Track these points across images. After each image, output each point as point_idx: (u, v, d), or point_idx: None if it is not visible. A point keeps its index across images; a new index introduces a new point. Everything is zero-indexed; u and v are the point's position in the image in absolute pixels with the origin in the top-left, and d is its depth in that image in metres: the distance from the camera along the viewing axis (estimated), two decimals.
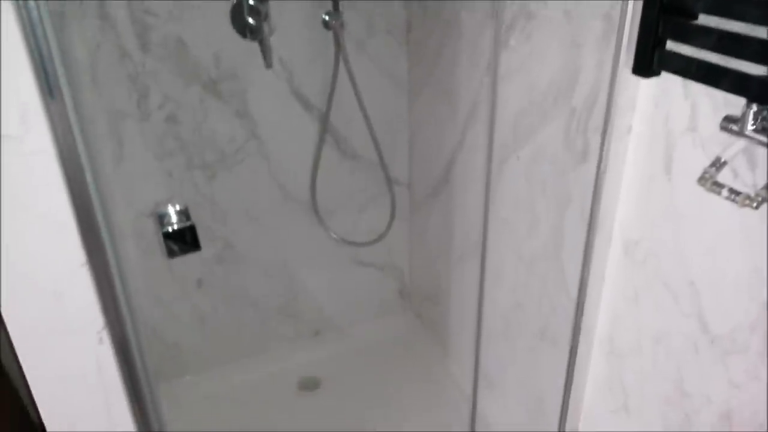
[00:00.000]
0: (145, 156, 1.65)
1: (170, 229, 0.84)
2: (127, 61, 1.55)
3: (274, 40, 1.60)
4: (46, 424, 0.82)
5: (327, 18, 1.66)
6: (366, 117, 1.79)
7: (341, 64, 1.69)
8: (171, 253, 0.85)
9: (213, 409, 1.89)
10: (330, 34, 1.68)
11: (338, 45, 1.67)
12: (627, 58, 1.00)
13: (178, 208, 0.82)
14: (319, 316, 2.12)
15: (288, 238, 1.95)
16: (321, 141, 1.83)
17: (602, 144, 1.12)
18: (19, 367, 0.79)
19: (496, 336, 1.65)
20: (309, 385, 2.00)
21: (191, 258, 1.83)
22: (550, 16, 1.21)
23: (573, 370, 1.35)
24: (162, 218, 0.84)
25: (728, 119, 0.84)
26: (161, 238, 0.83)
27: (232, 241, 1.86)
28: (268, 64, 1.51)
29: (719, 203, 0.93)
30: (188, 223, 0.84)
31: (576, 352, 1.33)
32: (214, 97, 1.66)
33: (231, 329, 1.99)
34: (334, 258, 2.04)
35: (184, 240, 0.83)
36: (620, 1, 0.99)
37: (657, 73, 0.95)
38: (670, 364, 1.10)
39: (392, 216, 1.98)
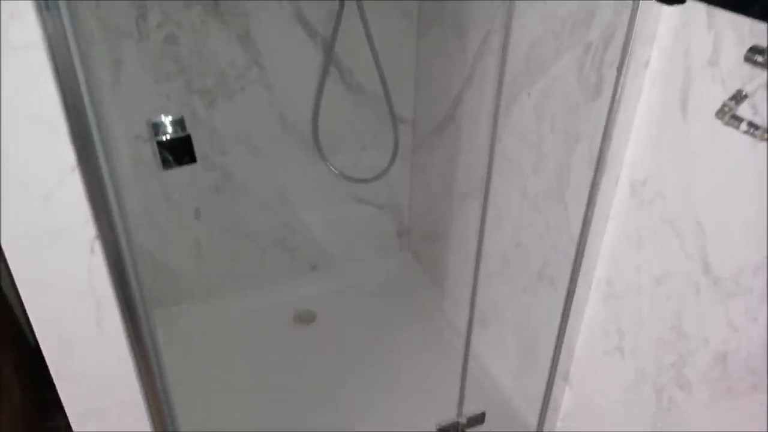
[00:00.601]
0: (143, 78, 1.60)
1: (165, 138, 0.81)
2: None
3: None
4: (37, 333, 0.81)
5: None
6: (373, 49, 1.73)
7: None
8: (165, 163, 0.83)
9: (208, 338, 1.90)
10: None
11: None
12: None
13: (172, 118, 0.79)
14: (317, 251, 2.11)
15: (287, 171, 1.92)
16: (325, 72, 1.78)
17: (617, 79, 1.07)
18: (10, 276, 0.78)
19: (493, 276, 1.65)
20: (305, 318, 2.01)
21: (189, 186, 1.81)
22: None
23: (569, 312, 1.35)
24: (157, 128, 0.81)
25: (754, 50, 0.80)
26: (155, 148, 0.80)
27: (231, 172, 1.83)
28: None
29: (734, 141, 0.90)
30: (184, 133, 0.81)
31: (573, 294, 1.33)
32: (215, 19, 1.60)
33: (228, 260, 1.99)
34: (334, 194, 2.02)
35: (179, 150, 0.81)
36: None
37: (682, 0, 0.90)
38: (669, 305, 1.09)
39: (394, 154, 1.95)
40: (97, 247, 0.78)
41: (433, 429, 1.38)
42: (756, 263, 0.91)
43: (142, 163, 1.71)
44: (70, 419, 0.89)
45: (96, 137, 0.71)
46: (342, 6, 1.66)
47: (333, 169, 1.92)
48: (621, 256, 1.20)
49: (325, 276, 2.14)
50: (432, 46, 1.81)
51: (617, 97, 1.09)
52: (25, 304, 0.79)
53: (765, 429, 0.94)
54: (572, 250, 1.29)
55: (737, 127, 0.82)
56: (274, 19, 1.67)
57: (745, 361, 0.96)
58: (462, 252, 1.85)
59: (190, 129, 1.54)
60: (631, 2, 1.01)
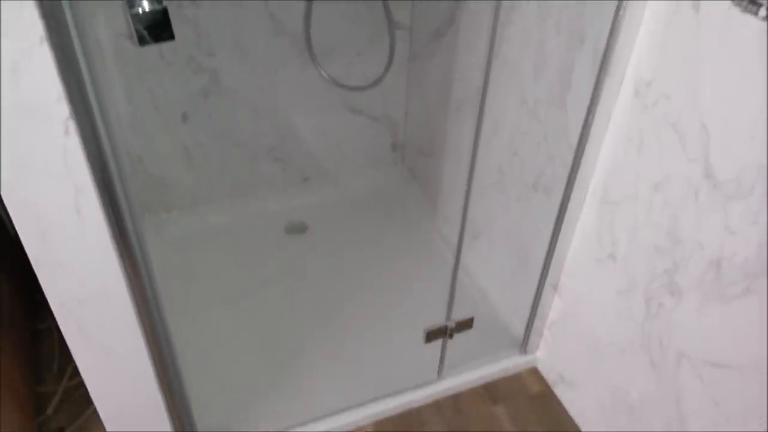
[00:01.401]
0: None
1: (140, 11, 0.76)
2: None
3: None
4: (13, 218, 0.78)
5: None
6: None
7: None
8: (141, 41, 0.77)
9: (198, 246, 1.89)
10: None
11: None
12: None
13: None
14: (309, 162, 2.07)
15: (279, 76, 1.85)
16: None
17: None
18: None
19: (487, 187, 1.62)
20: (296, 228, 1.99)
21: (176, 90, 1.74)
22: None
23: (563, 220, 1.33)
24: (132, 1, 0.74)
25: None
26: (131, 22, 0.74)
27: (219, 74, 1.76)
28: None
29: (748, 35, 0.85)
30: (160, 6, 0.75)
31: (568, 202, 1.30)
32: None
33: (218, 168, 1.95)
34: (327, 102, 1.96)
35: (155, 25, 0.75)
36: None
37: None
38: (667, 211, 1.07)
39: (390, 61, 1.87)
40: (72, 127, 0.74)
41: (422, 332, 1.39)
42: (758, 165, 0.88)
43: (127, 65, 1.64)
44: (53, 309, 0.88)
45: (66, 6, 0.66)
46: None
47: (325, 74, 1.84)
48: (620, 162, 1.16)
49: (317, 188, 2.11)
50: None
51: None
52: (2, 187, 0.75)
53: (756, 332, 0.94)
54: (570, 158, 1.25)
55: (755, 13, 0.77)
56: None
57: (741, 266, 0.94)
58: (456, 164, 1.81)
59: (176, 29, 1.48)
60: None
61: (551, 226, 1.36)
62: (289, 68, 1.83)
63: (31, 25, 0.67)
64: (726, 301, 0.98)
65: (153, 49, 1.65)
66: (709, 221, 0.98)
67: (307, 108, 1.95)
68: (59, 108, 0.72)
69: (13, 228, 0.80)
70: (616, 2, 1.05)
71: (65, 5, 0.67)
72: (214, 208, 1.99)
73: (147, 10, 0.77)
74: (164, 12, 0.77)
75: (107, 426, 1.09)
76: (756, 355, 0.94)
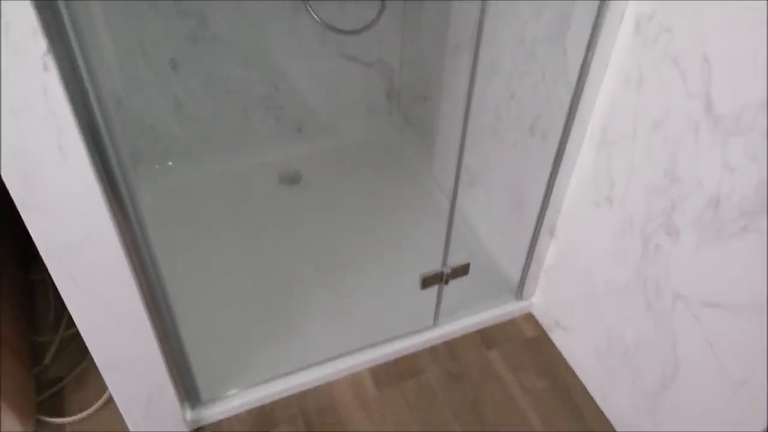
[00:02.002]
0: None
1: None
2: None
3: None
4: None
5: None
6: None
7: None
8: None
9: (191, 197, 1.87)
10: None
11: None
12: None
13: None
14: (302, 111, 2.03)
15: (269, 22, 1.79)
16: None
17: None
18: None
19: (484, 132, 1.59)
20: (290, 178, 1.97)
21: (164, 36, 1.69)
22: None
23: (560, 163, 1.31)
24: None
25: None
26: None
27: (207, 18, 1.71)
28: None
29: None
30: None
31: (565, 144, 1.28)
32: None
33: (210, 118, 1.91)
34: (320, 48, 1.91)
35: None
36: None
37: None
38: (665, 149, 1.05)
39: (383, 5, 1.82)
40: (51, 63, 0.71)
41: (418, 279, 1.39)
42: (760, 100, 0.86)
43: (111, 8, 1.58)
44: (42, 255, 0.86)
45: None
46: None
47: (317, 18, 1.79)
48: (619, 100, 1.14)
49: (310, 137, 2.08)
50: None
51: None
52: None
53: (753, 271, 0.93)
54: (568, 98, 1.23)
55: None
56: None
57: (739, 204, 0.93)
58: (452, 110, 1.78)
59: None
60: None
61: (548, 170, 1.34)
62: (280, 12, 1.78)
63: None
64: (724, 241, 0.97)
65: None
66: (708, 158, 0.96)
67: (300, 54, 1.90)
68: (36, 42, 0.69)
69: None
70: None
71: None
72: (207, 159, 1.96)
73: None
74: None
75: (103, 374, 1.09)
76: (752, 295, 0.94)
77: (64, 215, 0.83)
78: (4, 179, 0.77)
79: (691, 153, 0.99)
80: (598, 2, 1.09)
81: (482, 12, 1.41)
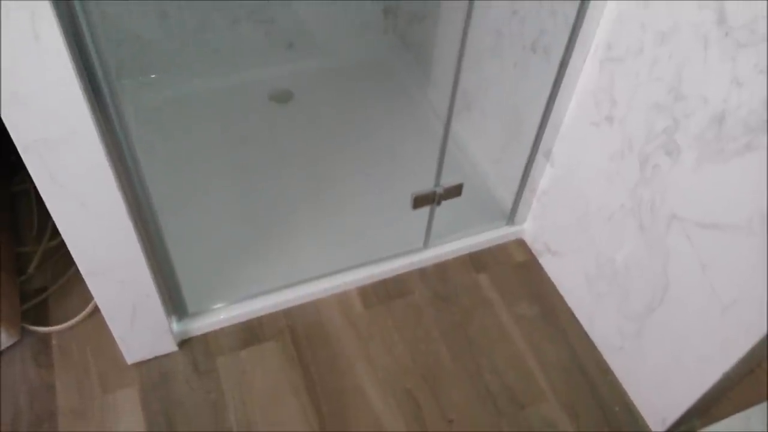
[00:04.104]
0: None
1: None
2: None
3: None
4: None
5: None
6: None
7: None
8: None
9: (177, 112, 1.81)
10: None
11: None
12: None
13: None
14: (294, 26, 1.95)
15: None
16: None
17: None
18: None
19: (483, 53, 1.54)
20: (281, 97, 1.91)
21: None
22: None
23: (561, 82, 1.27)
24: None
25: None
26: None
27: None
28: None
29: None
30: None
31: (568, 62, 1.23)
32: None
33: (197, 29, 1.83)
34: None
35: None
36: None
37: None
38: (671, 65, 1.01)
39: None
40: None
41: (410, 199, 1.36)
42: None
43: None
44: (20, 151, 0.83)
45: None
46: None
47: None
48: (626, 13, 1.08)
49: (302, 54, 2.01)
50: None
51: None
52: None
53: (753, 190, 0.91)
54: (573, 12, 1.17)
55: None
56: None
57: (744, 119, 0.90)
58: (451, 30, 1.71)
59: None
60: None
61: (548, 90, 1.30)
62: None
63: None
64: (725, 159, 0.95)
65: None
66: (716, 72, 0.93)
67: None
68: None
69: None
70: None
71: None
72: (193, 73, 1.88)
73: None
74: None
75: (87, 281, 1.07)
76: (749, 214, 0.92)
77: (42, 107, 0.78)
78: None
79: (698, 68, 0.95)
80: None
81: None
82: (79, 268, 1.04)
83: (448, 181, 1.36)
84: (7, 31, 0.71)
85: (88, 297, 1.32)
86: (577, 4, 1.15)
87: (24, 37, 0.72)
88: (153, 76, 1.85)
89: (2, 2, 0.68)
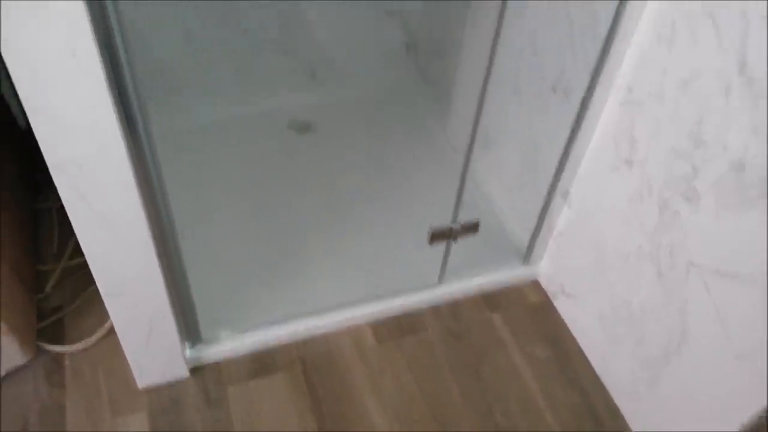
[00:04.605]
0: None
1: None
2: None
3: None
4: (8, 63, 0.73)
5: None
6: None
7: None
8: None
9: (197, 138, 1.84)
10: None
11: None
12: None
13: None
14: (317, 57, 1.98)
15: None
16: None
17: None
18: None
19: (502, 90, 1.56)
20: (301, 126, 1.94)
21: None
22: None
23: (581, 123, 1.28)
24: None
25: None
26: None
27: None
28: None
29: None
30: None
31: (588, 103, 1.25)
32: None
33: (221, 54, 1.86)
34: None
35: None
36: None
37: None
38: (692, 110, 1.02)
39: None
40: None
41: (426, 234, 1.37)
42: None
43: None
44: (49, 166, 0.85)
45: None
46: None
47: None
48: (648, 57, 1.10)
49: (324, 85, 2.03)
50: None
51: None
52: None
53: None
54: (595, 53, 1.19)
55: None
56: None
57: (762, 167, 0.90)
58: (472, 66, 1.74)
59: None
60: None
61: (568, 131, 1.31)
62: None
63: None
64: (744, 207, 0.95)
65: None
66: (736, 120, 0.94)
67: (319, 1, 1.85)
68: None
69: (19, 108, 0.76)
70: None
71: None
72: (215, 99, 1.92)
73: None
74: None
75: (105, 300, 1.09)
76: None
77: (74, 125, 0.81)
78: (15, 83, 0.75)
79: (719, 115, 0.96)
80: None
81: None
82: (99, 288, 1.06)
83: (464, 217, 1.37)
84: (46, 47, 0.73)
85: (103, 318, 1.32)
86: (599, 45, 1.17)
87: (61, 54, 0.74)
88: (174, 99, 1.88)
89: (42, 18, 0.70)
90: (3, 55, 0.72)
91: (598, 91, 1.22)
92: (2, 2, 0.68)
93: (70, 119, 0.80)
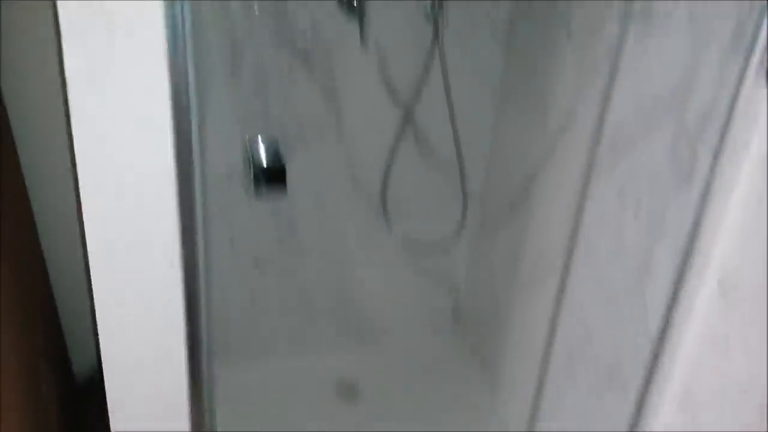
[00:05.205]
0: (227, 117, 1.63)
1: (264, 165, 0.81)
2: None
3: (372, 22, 1.56)
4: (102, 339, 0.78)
5: (429, 9, 1.62)
6: (452, 119, 1.71)
7: (436, 58, 1.64)
8: (258, 191, 0.82)
9: (245, 398, 1.84)
10: (429, 26, 1.63)
11: (436, 38, 1.62)
12: (758, 67, 0.91)
13: (269, 144, 0.79)
14: (367, 323, 2.06)
15: (350, 232, 1.91)
16: (401, 134, 1.77)
17: (713, 164, 1.02)
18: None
19: (555, 374, 1.54)
20: (346, 392, 1.93)
21: (254, 233, 1.80)
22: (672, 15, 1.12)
23: (638, 422, 1.23)
24: (252, 152, 0.81)
25: None
26: (250, 173, 0.80)
27: (296, 224, 1.83)
28: (363, 40, 1.47)
29: None
30: (280, 164, 0.81)
31: (645, 401, 1.21)
32: (302, 67, 1.63)
33: (277, 317, 1.96)
34: (393, 263, 1.98)
35: (273, 179, 0.80)
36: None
37: None
38: (752, 415, 0.98)
39: (460, 227, 1.90)
40: (177, 261, 0.76)
41: None
42: None
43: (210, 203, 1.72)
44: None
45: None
46: (427, 70, 1.68)
47: (395, 236, 1.89)
48: (704, 361, 1.09)
49: (371, 348, 2.08)
50: (511, 119, 1.80)
51: (711, 184, 1.03)
52: (98, 316, 0.76)
53: None
54: (647, 350, 1.19)
55: None
56: (359, 76, 1.69)
57: None
58: (522, 343, 1.75)
59: None
60: (733, 80, 0.96)
61: (626, 428, 1.25)
62: (362, 225, 1.90)
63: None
64: None
65: (241, 191, 1.71)
66: None
67: (373, 266, 1.98)
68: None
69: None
70: (699, 191, 1.05)
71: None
72: (267, 360, 1.98)
73: (270, 166, 0.83)
74: (283, 169, 0.83)
75: None
76: None
77: (150, 410, 0.83)
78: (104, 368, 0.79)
79: None
80: (679, 258, 1.10)
81: (569, 255, 1.43)
82: None
83: None
84: (139, 337, 0.79)
85: None
86: (653, 341, 1.17)
87: (163, 268, 0.79)
88: (229, 358, 1.92)
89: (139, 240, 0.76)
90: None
91: (654, 388, 1.19)
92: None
93: (146, 404, 0.82)
